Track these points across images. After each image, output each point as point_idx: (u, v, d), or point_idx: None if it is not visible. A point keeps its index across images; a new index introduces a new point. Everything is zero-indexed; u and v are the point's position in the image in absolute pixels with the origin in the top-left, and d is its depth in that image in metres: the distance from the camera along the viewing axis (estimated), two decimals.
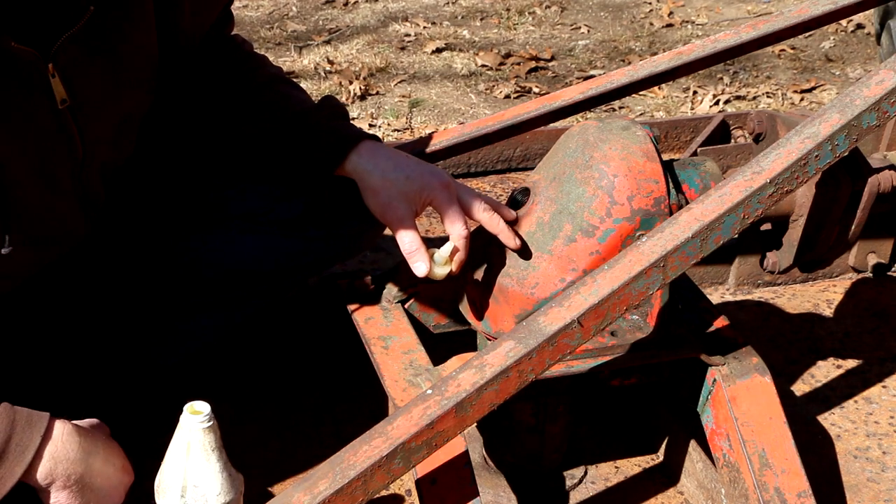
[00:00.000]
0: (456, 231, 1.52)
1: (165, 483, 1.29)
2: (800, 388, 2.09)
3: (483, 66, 4.16)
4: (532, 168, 2.16)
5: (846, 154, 1.47)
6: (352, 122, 1.65)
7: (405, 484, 1.76)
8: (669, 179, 1.52)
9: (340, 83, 3.92)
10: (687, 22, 4.73)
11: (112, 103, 1.48)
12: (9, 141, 1.32)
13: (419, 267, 1.52)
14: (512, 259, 1.53)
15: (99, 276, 1.73)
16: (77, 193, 1.48)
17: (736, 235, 1.43)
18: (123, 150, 1.58)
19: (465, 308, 1.62)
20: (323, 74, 4.01)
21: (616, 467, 1.86)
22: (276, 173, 1.68)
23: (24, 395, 1.43)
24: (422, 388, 1.53)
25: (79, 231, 1.54)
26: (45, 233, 1.46)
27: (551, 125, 2.27)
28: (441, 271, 1.53)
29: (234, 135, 1.66)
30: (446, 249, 1.52)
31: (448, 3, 4.88)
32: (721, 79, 4.06)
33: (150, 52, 1.54)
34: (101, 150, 1.49)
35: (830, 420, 2.00)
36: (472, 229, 1.55)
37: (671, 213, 1.48)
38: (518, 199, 1.58)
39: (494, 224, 1.51)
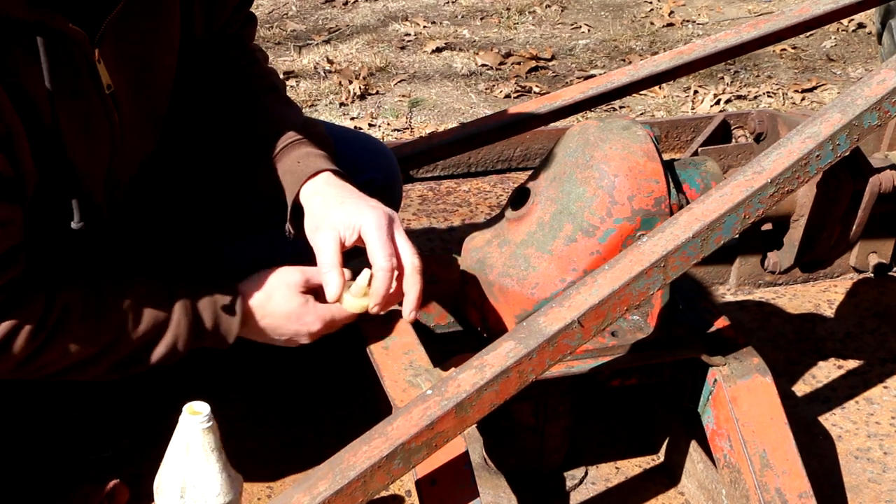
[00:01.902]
0: (378, 261, 1.42)
1: (165, 483, 1.29)
2: (801, 388, 2.08)
3: (483, 65, 4.16)
4: (532, 168, 2.16)
5: (847, 154, 1.47)
6: (324, 152, 1.58)
7: (405, 484, 1.76)
8: (670, 179, 1.52)
9: (340, 83, 3.92)
10: (688, 21, 4.73)
11: (145, 93, 1.50)
12: (68, 121, 1.35)
13: (328, 289, 1.45)
14: (512, 259, 1.53)
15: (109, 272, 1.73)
16: (106, 181, 1.50)
17: (737, 235, 1.43)
18: (148, 145, 1.59)
19: (465, 308, 1.61)
20: (323, 74, 4.01)
21: (617, 468, 1.86)
22: (243, 183, 1.68)
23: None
24: (422, 389, 1.52)
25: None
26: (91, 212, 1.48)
27: (551, 125, 2.27)
28: (354, 303, 1.45)
29: (219, 139, 1.66)
30: (362, 279, 1.44)
31: (448, 2, 4.88)
32: (722, 78, 4.06)
33: (173, 45, 1.55)
34: (133, 142, 1.51)
35: (831, 420, 1.99)
36: (413, 265, 1.45)
37: (672, 213, 1.48)
38: (518, 199, 1.58)
39: (412, 282, 1.45)
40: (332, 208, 1.48)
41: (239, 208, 1.76)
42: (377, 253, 1.43)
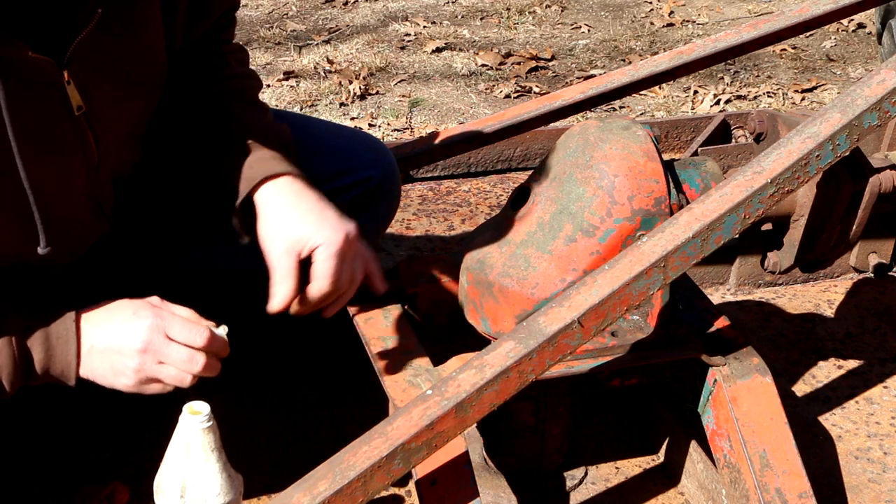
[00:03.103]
0: (319, 281, 1.45)
1: (165, 483, 1.29)
2: (801, 388, 2.08)
3: (483, 65, 4.16)
4: (532, 168, 2.16)
5: (847, 154, 1.46)
6: (281, 155, 1.55)
7: (405, 484, 1.76)
8: (670, 179, 1.52)
9: (340, 83, 3.91)
10: (688, 21, 4.73)
11: (124, 107, 1.48)
12: (29, 148, 1.32)
13: (272, 303, 1.45)
14: (512, 259, 1.53)
15: (107, 279, 1.73)
16: (90, 197, 1.48)
17: (737, 235, 1.43)
18: (133, 154, 1.58)
19: (465, 308, 1.61)
20: (323, 74, 4.01)
21: (616, 468, 1.85)
22: (207, 188, 1.63)
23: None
24: (422, 389, 1.53)
25: (90, 235, 1.54)
26: (62, 235, 1.45)
27: (551, 125, 2.27)
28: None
29: (187, 143, 1.64)
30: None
31: (448, 2, 4.88)
32: (722, 78, 4.06)
33: (159, 54, 1.53)
34: (114, 156, 1.49)
35: (831, 421, 1.99)
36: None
37: (672, 213, 1.48)
38: (518, 199, 1.58)
39: (343, 298, 1.49)
40: (290, 219, 1.46)
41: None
42: (323, 278, 1.45)
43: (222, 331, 1.42)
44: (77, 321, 1.39)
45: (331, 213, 1.48)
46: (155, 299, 1.43)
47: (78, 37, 1.33)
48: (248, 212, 1.51)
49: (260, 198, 1.49)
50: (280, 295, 1.44)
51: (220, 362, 1.42)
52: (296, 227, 1.45)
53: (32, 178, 1.32)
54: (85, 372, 1.40)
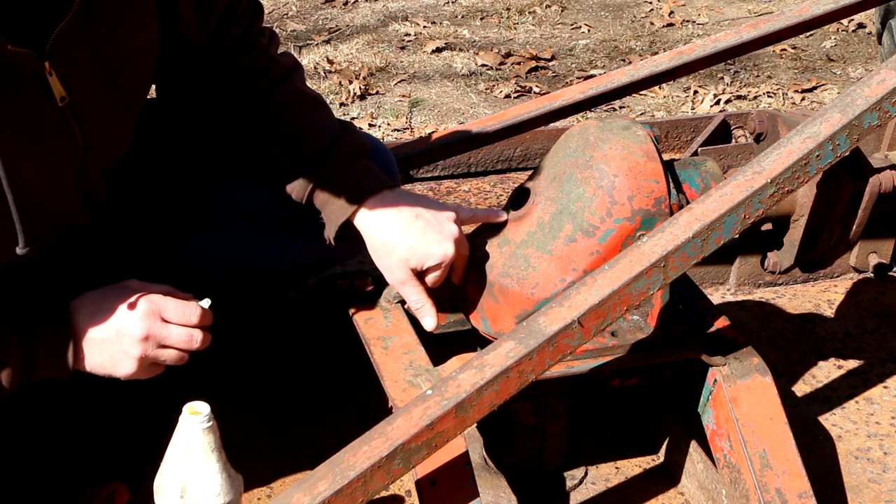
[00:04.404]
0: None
1: (165, 483, 1.29)
2: (801, 388, 2.08)
3: (483, 65, 4.16)
4: (532, 168, 2.16)
5: (847, 154, 1.46)
6: (372, 163, 1.62)
7: (405, 484, 1.76)
8: (670, 179, 1.52)
9: (340, 83, 3.92)
10: (688, 21, 4.73)
11: (111, 98, 1.47)
12: (12, 143, 1.31)
13: (427, 322, 1.57)
14: (512, 259, 1.53)
15: (101, 275, 1.73)
16: (80, 191, 1.48)
17: (737, 235, 1.43)
18: (123, 144, 1.57)
19: (465, 308, 1.61)
20: (323, 74, 4.01)
21: (616, 468, 1.85)
22: (284, 196, 1.66)
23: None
24: (422, 389, 1.53)
25: (83, 230, 1.54)
26: (53, 232, 1.45)
27: (551, 125, 2.27)
28: None
29: (245, 152, 1.65)
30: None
31: (448, 2, 4.88)
32: (722, 78, 4.06)
33: (148, 42, 1.51)
34: (102, 146, 1.48)
35: (831, 421, 1.99)
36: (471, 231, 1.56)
37: (672, 213, 1.48)
38: (518, 199, 1.58)
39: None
40: (398, 251, 1.52)
41: (233, 206, 1.75)
42: (434, 284, 1.55)
43: (206, 303, 1.46)
44: (69, 314, 1.39)
45: (433, 223, 1.53)
46: (133, 282, 1.44)
47: (57, 27, 1.32)
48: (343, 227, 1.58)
49: (361, 219, 1.56)
50: (427, 316, 1.56)
51: (210, 334, 1.46)
52: (407, 252, 1.52)
53: (12, 176, 1.31)
54: (81, 364, 1.40)
